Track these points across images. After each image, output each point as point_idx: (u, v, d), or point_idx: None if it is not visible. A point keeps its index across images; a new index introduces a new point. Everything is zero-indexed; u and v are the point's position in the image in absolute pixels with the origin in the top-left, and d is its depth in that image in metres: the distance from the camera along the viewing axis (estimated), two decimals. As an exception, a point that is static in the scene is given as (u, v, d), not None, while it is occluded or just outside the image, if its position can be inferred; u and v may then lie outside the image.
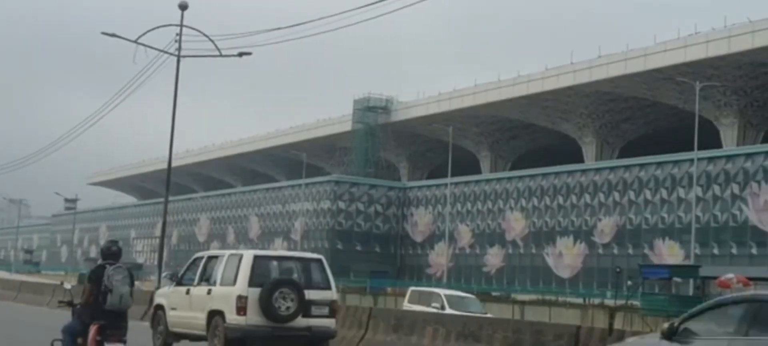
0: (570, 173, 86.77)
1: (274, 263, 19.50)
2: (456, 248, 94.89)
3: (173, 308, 19.73)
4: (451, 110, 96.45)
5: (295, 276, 18.80)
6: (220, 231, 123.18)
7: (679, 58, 74.60)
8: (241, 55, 42.68)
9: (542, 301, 61.51)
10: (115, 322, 13.47)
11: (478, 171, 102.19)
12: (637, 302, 51.80)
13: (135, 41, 41.50)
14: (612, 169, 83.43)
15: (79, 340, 13.41)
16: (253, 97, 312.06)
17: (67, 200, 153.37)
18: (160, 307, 20.33)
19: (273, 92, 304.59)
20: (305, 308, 18.04)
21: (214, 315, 18.16)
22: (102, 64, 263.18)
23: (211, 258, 19.84)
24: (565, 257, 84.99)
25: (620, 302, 54.79)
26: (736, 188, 72.12)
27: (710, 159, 73.33)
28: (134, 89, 49.62)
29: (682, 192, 75.50)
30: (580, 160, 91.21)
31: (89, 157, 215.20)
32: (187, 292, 19.36)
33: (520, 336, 19.15)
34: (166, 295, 20.46)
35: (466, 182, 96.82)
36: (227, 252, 19.66)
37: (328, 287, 19.26)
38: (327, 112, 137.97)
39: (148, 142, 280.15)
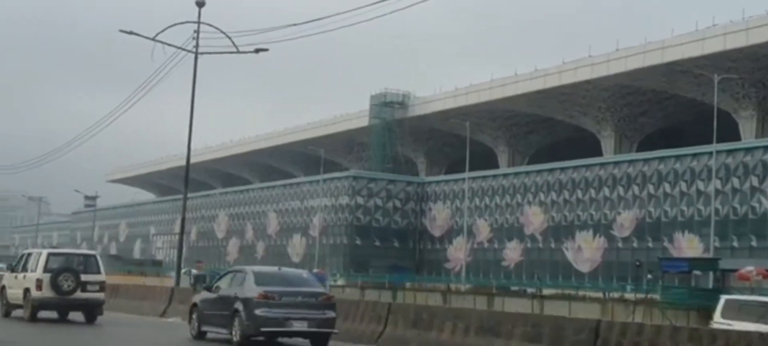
0: (588, 166, 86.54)
1: (62, 257, 29.27)
2: (474, 242, 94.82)
3: (10, 288, 29.31)
4: (468, 105, 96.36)
5: (75, 265, 28.24)
6: (239, 227, 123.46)
7: (696, 51, 74.31)
8: (257, 51, 42.77)
9: (562, 295, 61.41)
10: None
11: (496, 166, 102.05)
12: (656, 296, 51.67)
13: (153, 39, 41.71)
14: (631, 162, 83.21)
15: None
16: (270, 93, 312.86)
17: (86, 198, 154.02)
18: (3, 287, 30.12)
19: (290, 88, 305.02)
20: (82, 285, 27.60)
21: (26, 291, 27.70)
22: (120, 62, 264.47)
23: (28, 255, 29.63)
24: (585, 251, 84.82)
25: (640, 295, 54.69)
26: (755, 181, 71.83)
27: (729, 152, 73.06)
28: (152, 86, 49.62)
29: (701, 185, 75.27)
30: (599, 153, 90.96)
31: (108, 154, 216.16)
32: (15, 277, 28.92)
33: (540, 330, 19.14)
34: (7, 279, 30.04)
35: (484, 177, 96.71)
36: (35, 251, 29.92)
37: (99, 272, 28.61)
38: (344, 108, 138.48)
39: (166, 139, 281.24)
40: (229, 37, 42.15)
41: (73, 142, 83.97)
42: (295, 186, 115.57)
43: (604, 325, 18.35)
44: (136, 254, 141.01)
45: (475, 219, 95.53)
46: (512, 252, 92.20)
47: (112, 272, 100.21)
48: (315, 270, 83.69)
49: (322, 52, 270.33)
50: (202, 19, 42.16)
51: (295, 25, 41.22)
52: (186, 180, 45.94)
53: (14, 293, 28.61)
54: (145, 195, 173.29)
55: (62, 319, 28.44)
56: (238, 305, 21.39)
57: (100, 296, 28.07)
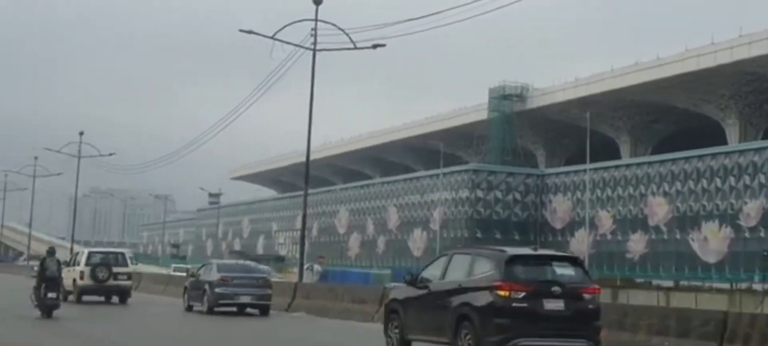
0: (713, 155, 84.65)
1: (99, 254, 38.54)
2: (597, 234, 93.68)
3: (65, 278, 32.53)
4: (588, 95, 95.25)
5: (108, 260, 37.26)
6: (360, 222, 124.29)
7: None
8: (375, 47, 43.10)
9: (688, 287, 60.32)
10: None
11: (618, 156, 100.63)
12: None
13: (272, 37, 42.56)
14: (757, 150, 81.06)
15: None
16: (388, 88, 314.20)
17: (210, 195, 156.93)
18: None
19: (407, 83, 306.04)
20: (114, 275, 36.52)
21: (74, 280, 36.21)
22: (240, 61, 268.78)
23: (77, 253, 40.13)
24: (711, 242, 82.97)
25: (769, 286, 53.40)
26: None
27: None
28: (272, 84, 50.49)
29: (832, 172, 73.07)
30: (724, 142, 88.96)
31: (231, 152, 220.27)
32: (68, 270, 35.76)
33: (666, 323, 18.89)
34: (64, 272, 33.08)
35: (606, 168, 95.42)
36: (81, 250, 40.60)
37: (126, 265, 38.29)
38: (461, 102, 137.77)
39: (286, 136, 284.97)
40: (347, 34, 42.63)
41: (199, 140, 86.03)
42: (414, 180, 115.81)
43: (732, 316, 18.02)
44: (260, 249, 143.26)
45: (597, 211, 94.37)
46: (636, 244, 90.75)
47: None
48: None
49: (439, 46, 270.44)
50: (319, 17, 42.80)
51: (411, 20, 41.53)
52: (306, 176, 46.59)
53: (67, 283, 34.74)
54: (267, 192, 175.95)
55: (107, 301, 37.04)
56: (206, 286, 32.00)
57: (128, 283, 37.51)
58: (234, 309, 32.10)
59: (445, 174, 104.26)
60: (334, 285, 43.09)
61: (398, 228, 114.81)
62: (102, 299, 37.12)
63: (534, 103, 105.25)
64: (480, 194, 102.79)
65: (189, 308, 33.56)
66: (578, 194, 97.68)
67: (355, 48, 42.82)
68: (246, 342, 22.40)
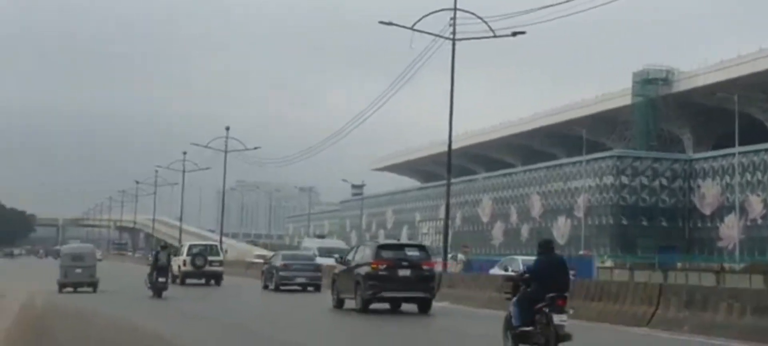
0: None
1: (198, 246, 49.95)
2: (747, 219, 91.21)
3: (177, 265, 45.23)
4: (735, 77, 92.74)
5: (204, 251, 48.36)
6: (503, 211, 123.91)
7: None
8: (514, 34, 43.09)
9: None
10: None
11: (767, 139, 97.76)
12: None
13: (411, 28, 42.88)
14: None
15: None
16: (529, 75, 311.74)
17: (353, 186, 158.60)
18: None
19: (548, 70, 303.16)
20: (209, 263, 46.88)
21: (179, 266, 45.83)
22: (379, 53, 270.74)
23: (181, 246, 55.98)
24: None
25: None
26: None
27: None
28: (412, 75, 50.79)
29: None
30: None
31: (372, 143, 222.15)
32: (175, 259, 43.55)
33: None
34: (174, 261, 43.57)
35: (756, 151, 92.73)
36: (187, 244, 52.69)
37: (219, 255, 49.33)
38: (603, 88, 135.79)
39: (427, 126, 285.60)
40: (486, 22, 42.68)
41: (341, 132, 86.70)
42: (557, 168, 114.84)
43: None
44: (404, 240, 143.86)
45: (747, 195, 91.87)
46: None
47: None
48: (581, 252, 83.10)
49: (579, 31, 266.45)
50: (458, 6, 43.02)
51: (550, 6, 40.97)
52: (448, 166, 46.78)
53: (174, 269, 42.70)
54: (409, 182, 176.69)
55: (206, 284, 46.46)
56: (274, 270, 43.68)
57: (220, 269, 48.08)
58: (296, 287, 42.38)
59: (588, 161, 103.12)
60: (478, 274, 43.12)
61: (542, 216, 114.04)
62: (202, 281, 46.77)
63: (680, 86, 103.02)
64: (625, 180, 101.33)
65: (265, 287, 44.45)
66: (727, 178, 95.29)
67: (495, 36, 42.88)
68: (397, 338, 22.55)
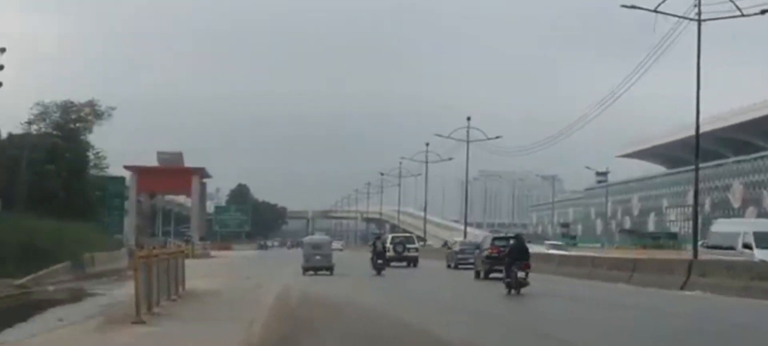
0: None
1: (399, 237, 66.01)
2: None
3: (388, 250, 55.91)
4: None
5: (404, 240, 63.49)
6: (756, 196, 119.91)
7: None
8: (763, 12, 41.84)
9: None
10: None
11: None
12: None
13: (654, 10, 42.49)
14: None
15: None
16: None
17: (597, 173, 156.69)
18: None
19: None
20: (407, 249, 60.40)
21: (387, 251, 53.99)
22: (621, 36, 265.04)
23: (382, 234, 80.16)
24: None
25: None
26: None
27: None
28: (656, 58, 50.04)
29: None
30: None
31: (615, 130, 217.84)
32: (378, 246, 49.16)
33: None
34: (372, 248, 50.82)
35: None
36: (389, 236, 70.36)
37: (414, 243, 63.61)
38: None
39: (672, 110, 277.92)
40: (733, 1, 41.58)
41: (584, 118, 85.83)
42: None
43: None
44: (650, 227, 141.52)
45: None
46: None
47: (625, 246, 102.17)
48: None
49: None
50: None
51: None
52: (697, 151, 46.15)
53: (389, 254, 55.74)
54: (655, 168, 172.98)
55: (407, 266, 57.75)
56: (453, 254, 60.52)
57: (416, 254, 60.73)
58: (469, 267, 49.63)
59: None
60: (733, 261, 41.54)
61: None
62: (404, 264, 58.10)
63: None
64: None
65: (448, 266, 58.43)
66: None
67: (742, 15, 41.78)
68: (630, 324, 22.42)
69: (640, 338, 17.73)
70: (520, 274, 28.92)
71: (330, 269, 46.25)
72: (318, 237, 59.13)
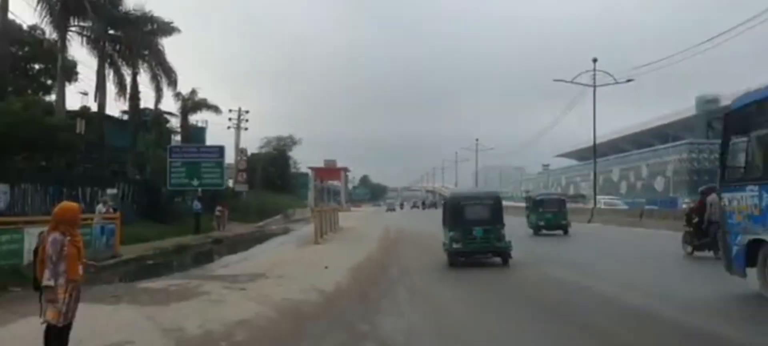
0: None
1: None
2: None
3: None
4: None
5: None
6: (622, 178, 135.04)
7: None
8: (628, 81, 49.71)
9: None
10: None
11: None
12: None
13: (571, 81, 52.14)
14: None
15: None
16: None
17: (543, 166, 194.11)
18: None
19: None
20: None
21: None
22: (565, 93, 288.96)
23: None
24: None
25: None
26: None
27: None
28: (572, 107, 66.30)
29: None
30: None
31: (559, 141, 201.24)
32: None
33: None
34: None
35: None
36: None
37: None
38: None
39: (586, 131, 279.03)
40: (611, 75, 50.93)
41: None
42: None
43: None
44: (571, 192, 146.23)
45: None
46: None
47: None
48: None
49: None
50: None
51: None
52: (594, 153, 55.15)
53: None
54: (575, 162, 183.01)
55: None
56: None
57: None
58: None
59: None
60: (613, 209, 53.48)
61: None
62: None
63: None
64: None
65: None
66: None
67: (616, 82, 50.56)
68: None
69: (565, 241, 35.55)
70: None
71: (393, 210, 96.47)
72: (390, 202, 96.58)
